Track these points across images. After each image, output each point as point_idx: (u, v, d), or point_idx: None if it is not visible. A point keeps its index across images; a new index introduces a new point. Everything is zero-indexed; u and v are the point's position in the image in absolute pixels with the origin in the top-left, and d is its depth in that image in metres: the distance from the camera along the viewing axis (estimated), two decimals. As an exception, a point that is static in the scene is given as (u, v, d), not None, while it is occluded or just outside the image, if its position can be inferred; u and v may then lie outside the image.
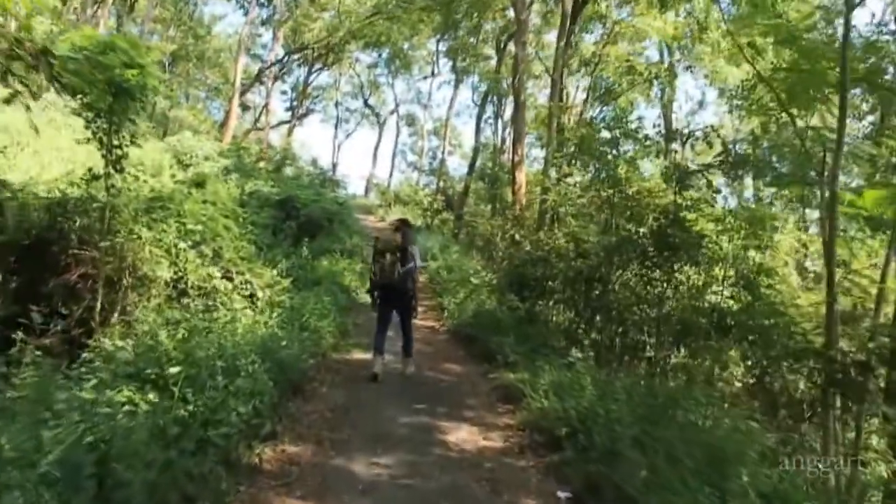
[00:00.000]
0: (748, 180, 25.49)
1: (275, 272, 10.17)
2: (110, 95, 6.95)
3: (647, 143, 12.62)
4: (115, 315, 7.60)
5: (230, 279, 8.89)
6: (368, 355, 9.92)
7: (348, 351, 10.26)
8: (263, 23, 39.98)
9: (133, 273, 7.56)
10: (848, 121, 12.06)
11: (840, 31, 11.34)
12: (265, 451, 5.54)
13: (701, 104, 38.12)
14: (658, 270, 10.90)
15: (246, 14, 34.76)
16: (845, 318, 7.81)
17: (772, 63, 11.86)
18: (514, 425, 7.24)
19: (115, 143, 7.21)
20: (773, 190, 22.68)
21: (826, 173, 9.14)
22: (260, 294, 9.18)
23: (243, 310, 8.32)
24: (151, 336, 5.77)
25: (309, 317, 9.97)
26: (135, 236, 7.56)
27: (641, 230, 11.10)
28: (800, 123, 10.67)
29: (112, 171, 7.19)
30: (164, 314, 7.06)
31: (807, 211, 25.82)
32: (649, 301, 11.02)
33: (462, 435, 6.74)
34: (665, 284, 10.93)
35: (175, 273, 8.06)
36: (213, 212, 9.56)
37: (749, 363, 11.49)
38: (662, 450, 5.21)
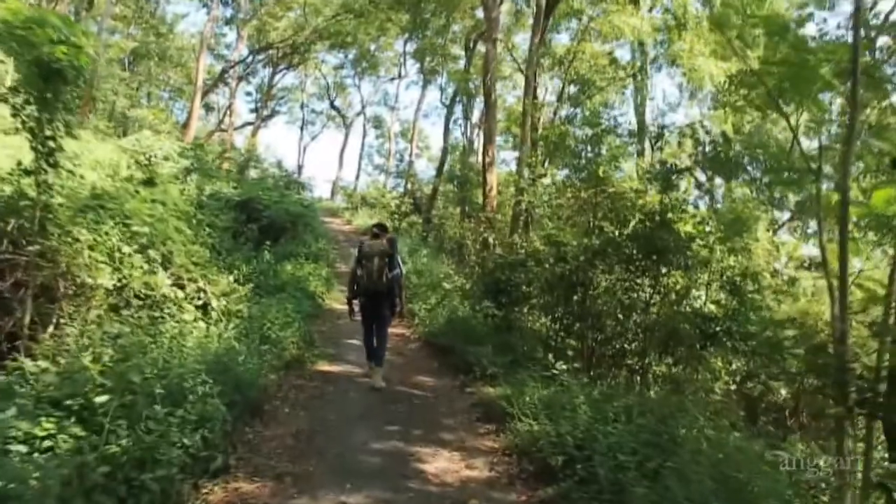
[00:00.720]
0: (717, 181, 25.20)
1: (231, 278, 9.30)
2: (41, 79, 6.12)
3: (631, 139, 12.06)
4: (51, 328, 6.73)
5: (181, 287, 8.03)
6: (336, 367, 9.49)
7: (314, 363, 9.46)
8: (227, 22, 38.90)
9: (69, 280, 6.70)
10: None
11: (831, 23, 10.83)
12: (214, 490, 4.71)
13: (676, 105, 37.56)
14: (644, 276, 10.32)
15: (209, 12, 33.75)
16: (878, 331, 7.12)
17: (758, 58, 11.30)
18: (498, 449, 6.49)
19: (48, 133, 6.35)
20: (744, 190, 22.34)
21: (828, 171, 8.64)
22: (215, 303, 8.30)
23: (194, 321, 7.47)
24: (76, 357, 4.94)
25: (270, 326, 9.18)
26: (70, 239, 6.70)
27: (626, 232, 10.48)
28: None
29: (44, 165, 6.33)
30: (102, 328, 6.24)
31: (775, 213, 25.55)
32: (635, 307, 10.41)
33: (441, 463, 5.96)
34: (650, 290, 10.36)
35: (119, 280, 7.19)
36: (163, 212, 8.67)
37: (733, 369, 11.03)
38: (677, 485, 4.51)
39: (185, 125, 31.81)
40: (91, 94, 22.53)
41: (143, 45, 37.82)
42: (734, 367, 11.30)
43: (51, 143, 6.40)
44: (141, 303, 7.27)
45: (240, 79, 41.93)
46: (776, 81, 9.91)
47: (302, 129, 55.28)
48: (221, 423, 5.34)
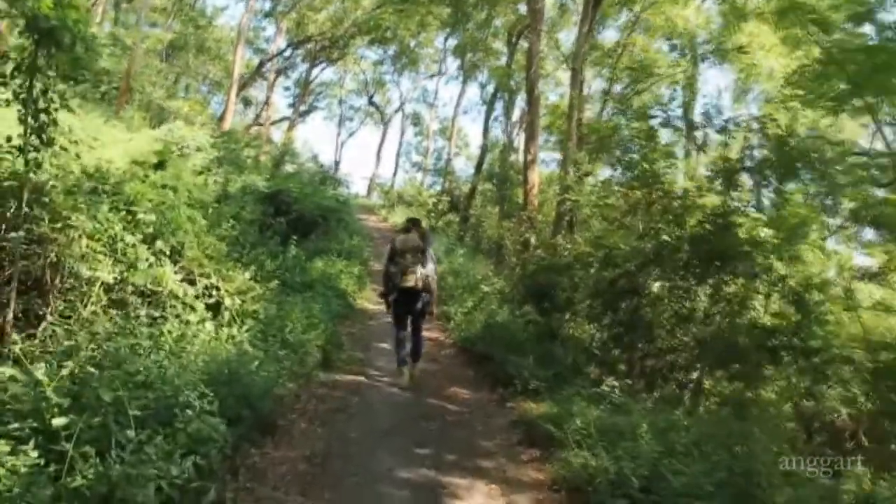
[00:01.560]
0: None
1: (247, 275, 8.48)
2: (32, 42, 5.38)
3: (679, 137, 11.14)
4: (43, 325, 5.96)
5: (192, 283, 7.23)
6: (363, 373, 8.78)
7: (339, 369, 8.65)
8: (266, 15, 38.36)
9: (63, 272, 5.94)
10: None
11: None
12: (203, 534, 3.90)
13: (722, 107, 36.05)
14: (702, 283, 9.38)
15: (247, 4, 33.24)
16: None
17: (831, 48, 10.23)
18: (545, 482, 5.54)
19: (42, 105, 5.61)
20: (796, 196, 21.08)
21: None
22: (228, 302, 7.50)
23: (200, 323, 6.66)
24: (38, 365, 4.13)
25: (292, 329, 8.38)
26: (60, 225, 5.92)
27: (683, 236, 9.53)
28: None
29: (35, 141, 5.58)
30: (92, 328, 5.47)
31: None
32: (692, 318, 9.46)
33: (479, 499, 5.04)
34: (708, 299, 9.44)
35: (120, 273, 6.41)
36: (175, 199, 7.89)
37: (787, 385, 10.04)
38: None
39: (222, 118, 31.41)
40: (128, 84, 22.11)
41: (180, 36, 37.54)
42: (791, 384, 10.33)
43: (43, 117, 5.64)
44: (142, 300, 6.48)
45: (278, 73, 41.47)
46: (856, 71, 8.90)
47: (340, 124, 54.63)
48: (221, 444, 4.50)
